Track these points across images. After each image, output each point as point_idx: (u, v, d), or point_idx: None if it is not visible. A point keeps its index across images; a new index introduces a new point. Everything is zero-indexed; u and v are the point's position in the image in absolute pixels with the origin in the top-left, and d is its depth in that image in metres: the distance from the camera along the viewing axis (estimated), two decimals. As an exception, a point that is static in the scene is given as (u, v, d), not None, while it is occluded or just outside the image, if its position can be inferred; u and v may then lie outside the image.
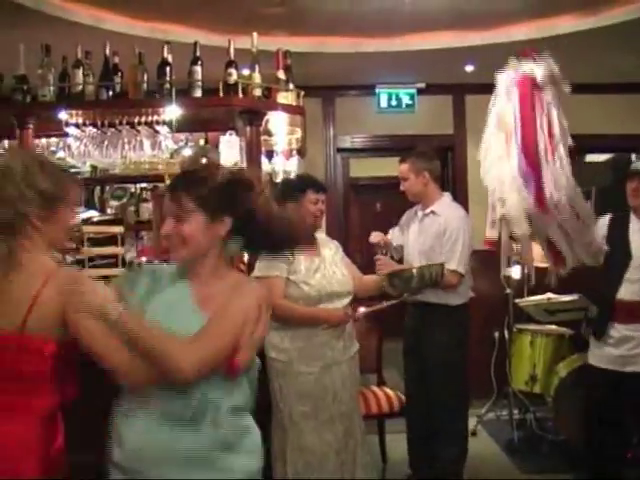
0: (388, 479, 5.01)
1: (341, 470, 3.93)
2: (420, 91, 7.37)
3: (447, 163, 7.74)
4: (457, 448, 4.65)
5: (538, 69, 4.12)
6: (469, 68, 6.79)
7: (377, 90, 7.38)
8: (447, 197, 4.84)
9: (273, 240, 2.54)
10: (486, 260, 7.11)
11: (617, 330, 4.42)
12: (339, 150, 7.82)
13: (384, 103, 7.40)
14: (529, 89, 4.12)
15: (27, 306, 2.27)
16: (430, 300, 4.54)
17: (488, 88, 4.25)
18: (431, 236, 4.64)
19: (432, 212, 4.69)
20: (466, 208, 7.38)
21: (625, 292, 4.38)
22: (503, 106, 4.26)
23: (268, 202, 2.53)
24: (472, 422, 6.11)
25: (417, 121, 7.47)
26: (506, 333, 6.25)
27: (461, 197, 7.47)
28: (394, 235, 4.93)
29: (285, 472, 3.90)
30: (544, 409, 5.94)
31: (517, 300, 6.17)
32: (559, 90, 4.13)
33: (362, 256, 5.10)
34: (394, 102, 7.37)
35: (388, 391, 5.10)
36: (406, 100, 7.37)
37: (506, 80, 4.25)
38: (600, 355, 4.51)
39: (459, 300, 4.63)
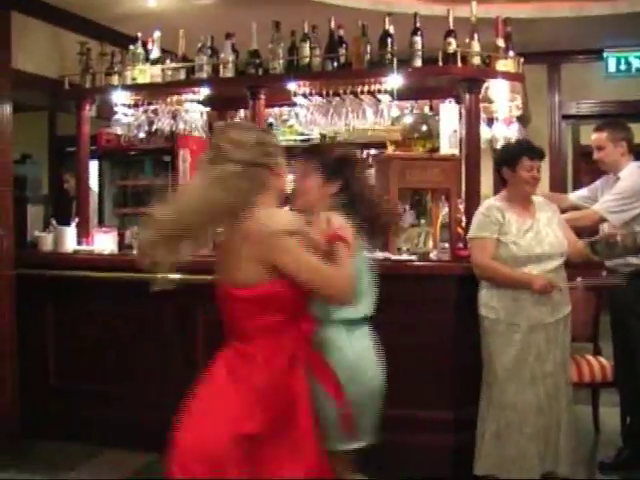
0: (599, 449, 4.94)
1: (545, 434, 3.91)
2: (652, 53, 7.06)
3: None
4: None
5: None
6: None
7: (605, 54, 7.18)
8: (634, 164, 4.55)
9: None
10: None
11: None
12: (564, 117, 7.68)
13: (612, 67, 7.18)
14: None
15: None
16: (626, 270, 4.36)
17: None
18: None
19: (617, 178, 4.49)
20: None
21: None
22: None
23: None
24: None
25: (648, 85, 7.17)
26: None
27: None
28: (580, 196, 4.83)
29: (486, 429, 3.98)
30: None
31: None
32: None
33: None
34: (623, 66, 7.13)
35: (602, 360, 4.99)
36: (636, 64, 7.11)
37: None
38: None
39: None
